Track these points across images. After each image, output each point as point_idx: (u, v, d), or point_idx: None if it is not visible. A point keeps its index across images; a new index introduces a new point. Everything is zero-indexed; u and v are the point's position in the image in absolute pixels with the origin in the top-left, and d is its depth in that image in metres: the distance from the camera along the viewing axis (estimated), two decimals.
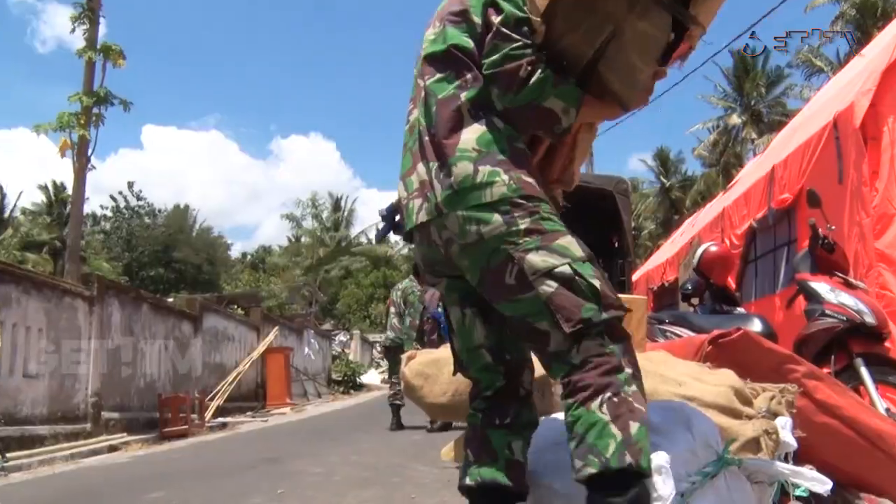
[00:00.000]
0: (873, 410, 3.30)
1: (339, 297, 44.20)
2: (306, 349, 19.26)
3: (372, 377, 26.12)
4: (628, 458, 1.82)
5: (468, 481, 2.13)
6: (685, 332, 4.34)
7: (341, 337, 29.50)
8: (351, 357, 26.11)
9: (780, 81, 34.72)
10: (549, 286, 1.91)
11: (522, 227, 1.95)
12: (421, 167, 2.10)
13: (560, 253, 1.94)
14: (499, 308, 2.05)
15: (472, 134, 2.04)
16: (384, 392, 18.81)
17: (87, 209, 31.55)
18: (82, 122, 11.55)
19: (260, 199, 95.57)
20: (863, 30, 22.45)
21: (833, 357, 3.95)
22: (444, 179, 2.03)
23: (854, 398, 3.10)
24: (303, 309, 32.28)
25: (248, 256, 44.12)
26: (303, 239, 47.56)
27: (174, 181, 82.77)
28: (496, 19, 2.06)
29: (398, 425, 8.18)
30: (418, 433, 7.50)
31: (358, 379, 23.70)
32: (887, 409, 3.65)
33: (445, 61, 2.12)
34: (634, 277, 10.28)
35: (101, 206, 36.21)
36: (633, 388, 1.90)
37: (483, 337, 2.16)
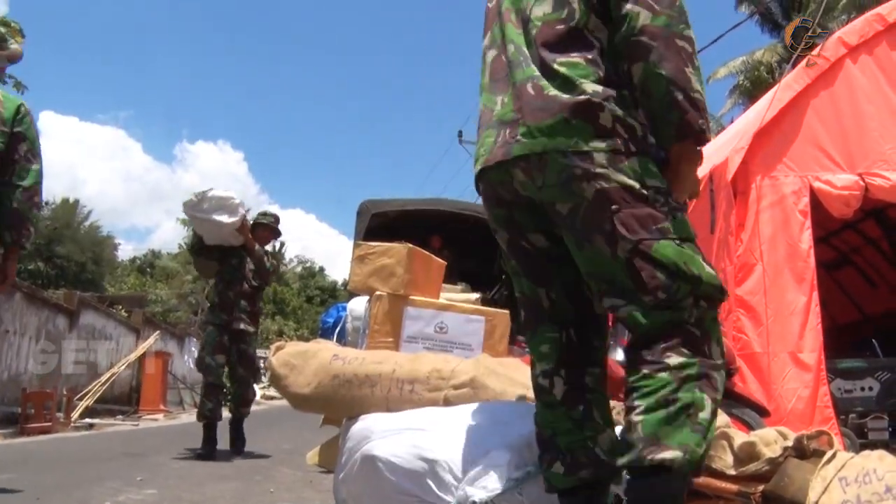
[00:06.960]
0: None
1: None
2: (186, 357, 18.69)
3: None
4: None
5: None
6: None
7: None
8: None
9: None
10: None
11: None
12: None
13: None
14: None
15: None
16: (264, 406, 18.47)
17: None
18: None
19: (160, 203, 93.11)
20: (753, 100, 23.84)
21: None
22: None
23: None
24: (188, 317, 31.38)
25: (137, 260, 42.50)
26: None
27: (69, 174, 79.66)
28: None
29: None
30: (288, 443, 7.45)
31: None
32: None
33: None
34: None
35: None
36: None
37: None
